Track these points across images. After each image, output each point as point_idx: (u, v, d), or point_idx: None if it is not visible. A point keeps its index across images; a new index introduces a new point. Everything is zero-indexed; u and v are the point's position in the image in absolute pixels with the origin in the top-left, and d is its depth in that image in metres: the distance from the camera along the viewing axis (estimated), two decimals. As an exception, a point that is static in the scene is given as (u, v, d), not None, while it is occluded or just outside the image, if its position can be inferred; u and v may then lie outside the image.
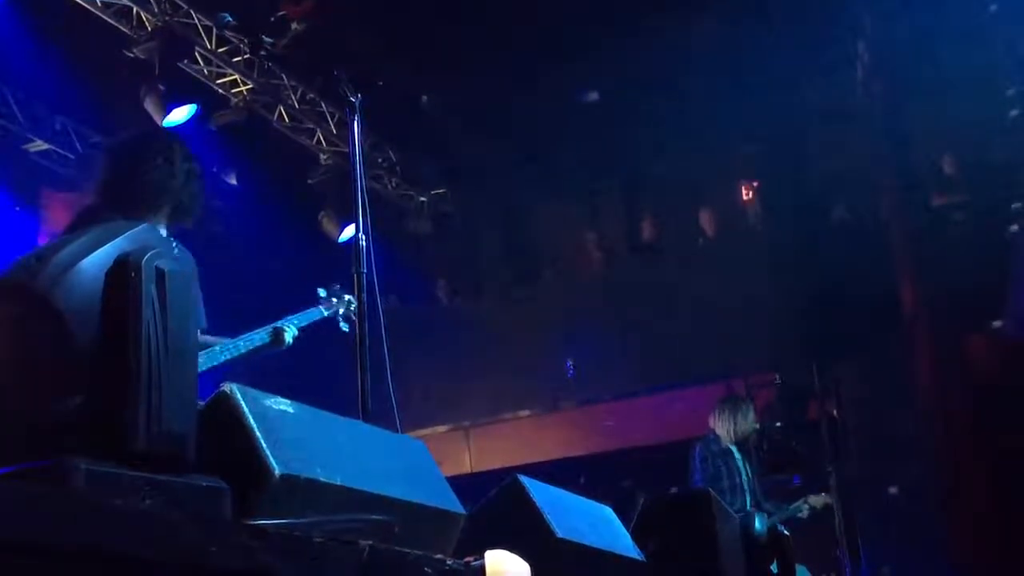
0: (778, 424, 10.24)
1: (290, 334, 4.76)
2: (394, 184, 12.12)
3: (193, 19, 9.41)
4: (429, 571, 2.62)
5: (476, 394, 12.02)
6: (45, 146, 9.81)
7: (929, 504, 9.26)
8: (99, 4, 8.80)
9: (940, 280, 9.58)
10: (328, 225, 10.80)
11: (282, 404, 2.78)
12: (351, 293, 5.06)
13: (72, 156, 9.96)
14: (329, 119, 10.87)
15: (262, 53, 9.87)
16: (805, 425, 10.35)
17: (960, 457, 9.04)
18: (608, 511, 4.61)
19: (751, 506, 7.62)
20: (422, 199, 12.46)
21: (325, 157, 11.04)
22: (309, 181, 11.11)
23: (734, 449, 7.83)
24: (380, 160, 11.85)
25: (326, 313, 5.06)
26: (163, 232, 4.54)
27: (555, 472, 7.51)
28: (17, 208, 9.64)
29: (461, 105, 11.53)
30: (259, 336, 4.66)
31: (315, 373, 8.54)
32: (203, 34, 9.54)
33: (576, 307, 11.77)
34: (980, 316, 9.21)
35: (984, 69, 9.51)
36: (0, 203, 9.46)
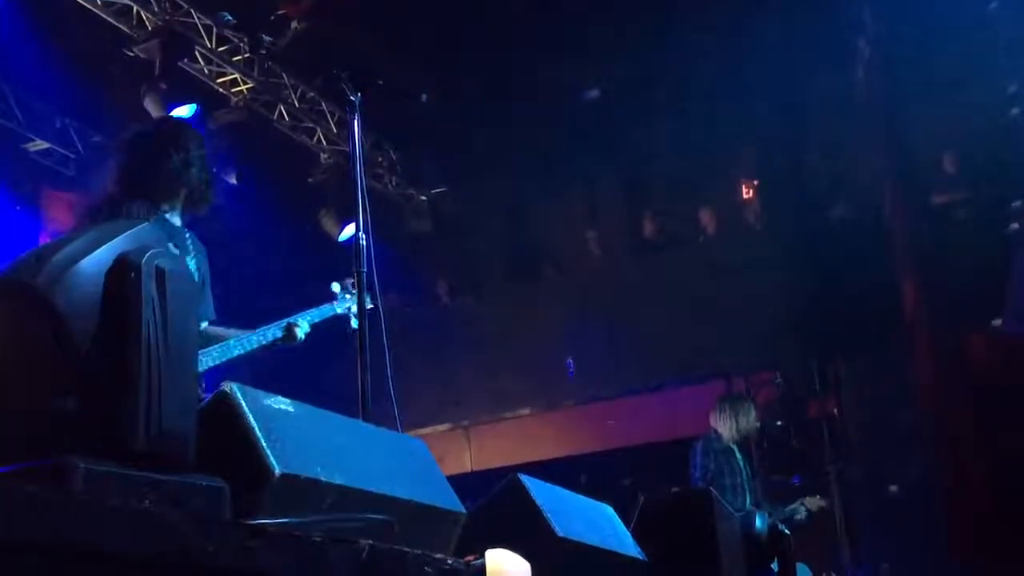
0: (778, 423, 10.25)
1: (303, 330, 4.73)
2: (394, 183, 12.12)
3: (193, 18, 9.41)
4: (429, 570, 2.62)
5: (476, 393, 12.02)
6: (45, 145, 9.81)
7: (929, 502, 9.26)
8: (99, 3, 8.80)
9: (941, 278, 9.58)
10: (328, 224, 10.80)
11: (282, 403, 2.78)
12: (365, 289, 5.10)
13: (72, 155, 9.96)
14: (329, 118, 10.87)
15: (262, 52, 9.88)
16: (805, 424, 10.36)
17: (960, 456, 9.04)
18: (608, 510, 4.61)
19: (751, 505, 7.62)
20: (422, 198, 12.46)
21: (325, 156, 11.05)
22: (309, 180, 11.12)
23: (735, 448, 7.83)
24: (380, 159, 11.86)
25: (339, 309, 5.00)
26: (177, 221, 4.55)
27: (555, 471, 7.51)
28: (18, 208, 9.64)
29: (461, 103, 11.53)
30: (272, 331, 4.64)
31: (315, 372, 8.55)
32: (203, 33, 9.54)
33: (576, 306, 11.77)
34: (981, 314, 9.21)
35: (985, 67, 9.52)
36: (1, 202, 9.46)
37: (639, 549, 4.50)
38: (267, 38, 9.71)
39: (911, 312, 9.74)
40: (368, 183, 4.92)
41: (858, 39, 10.17)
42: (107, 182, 4.54)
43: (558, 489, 4.13)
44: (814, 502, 8.32)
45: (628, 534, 4.59)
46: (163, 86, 8.97)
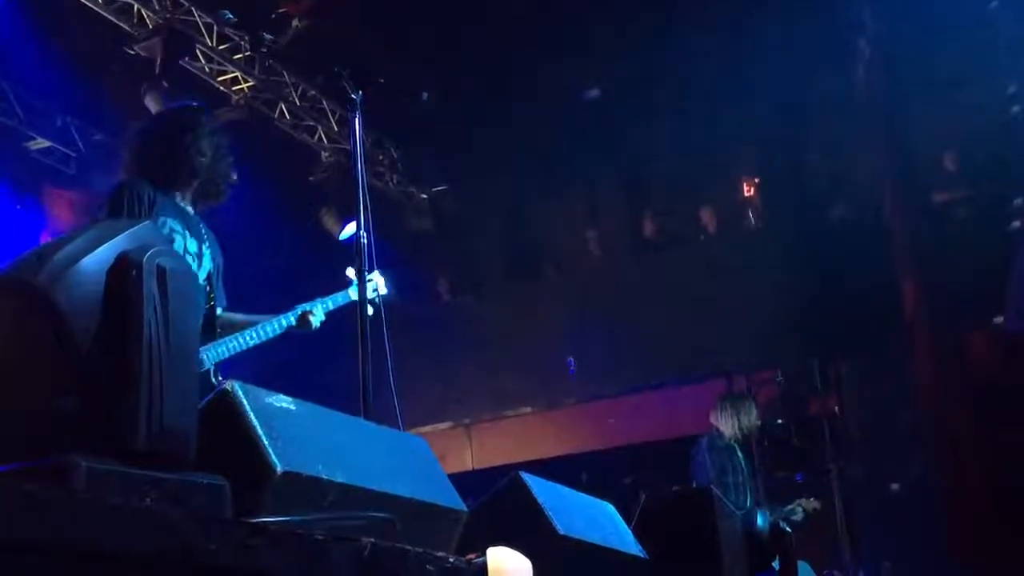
0: (779, 421, 10.25)
1: (318, 318, 4.68)
2: (395, 181, 12.12)
3: (194, 16, 9.41)
4: (431, 568, 2.61)
5: (477, 391, 12.02)
6: (46, 144, 9.81)
7: (930, 501, 9.26)
8: (100, 2, 8.80)
9: (941, 277, 9.59)
10: (329, 222, 10.81)
11: (283, 401, 2.78)
12: (381, 274, 4.98)
13: (73, 154, 9.96)
14: (330, 116, 10.88)
15: (263, 50, 9.89)
16: (806, 422, 10.36)
17: (961, 454, 9.04)
18: (610, 508, 4.60)
19: (752, 503, 7.62)
20: (423, 196, 12.46)
21: (326, 154, 11.05)
22: (310, 178, 11.12)
23: (736, 446, 7.83)
24: (381, 157, 11.86)
25: (353, 297, 4.87)
26: (190, 210, 4.54)
27: (557, 469, 7.50)
28: (19, 206, 9.65)
29: (462, 102, 11.53)
30: (286, 319, 4.60)
31: (317, 370, 8.55)
32: (204, 31, 9.55)
33: (577, 304, 11.77)
34: (981, 313, 9.20)
35: (985, 66, 9.51)
36: (2, 201, 9.47)
37: (640, 547, 4.50)
38: (268, 36, 9.72)
39: (912, 310, 9.74)
40: (369, 181, 4.92)
41: (858, 38, 10.17)
42: (119, 170, 4.54)
43: (559, 487, 4.13)
44: (810, 504, 8.32)
45: (629, 532, 4.59)
46: (164, 84, 8.98)
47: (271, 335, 4.54)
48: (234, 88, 10.07)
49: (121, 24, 9.00)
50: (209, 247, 4.56)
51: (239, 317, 4.61)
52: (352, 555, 2.38)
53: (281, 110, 10.56)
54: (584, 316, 11.54)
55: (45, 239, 8.71)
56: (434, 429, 11.68)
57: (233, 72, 9.99)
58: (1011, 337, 8.82)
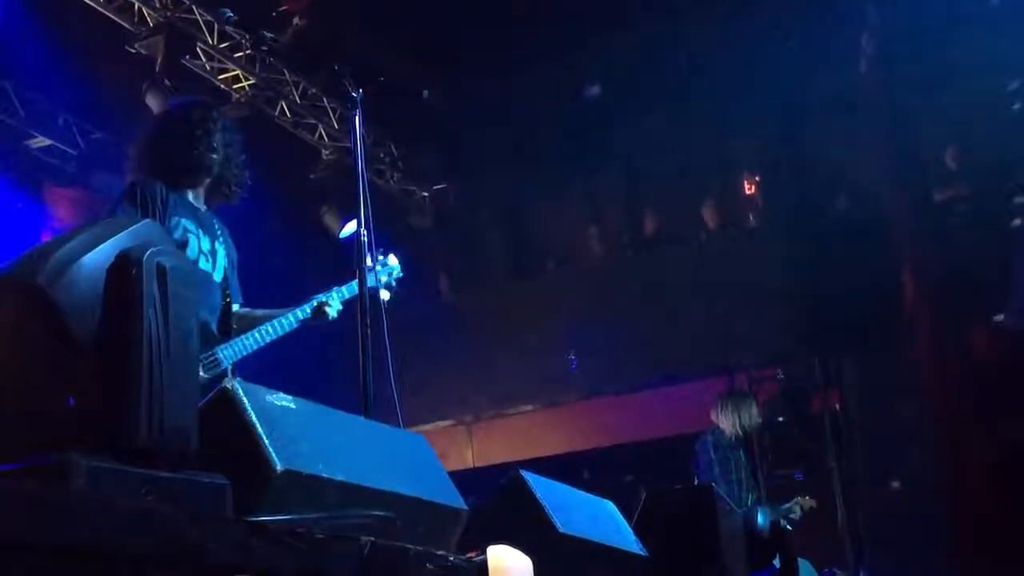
0: (780, 418, 10.25)
1: (334, 308, 4.58)
2: (396, 179, 12.12)
3: (195, 15, 9.41)
4: (431, 567, 2.62)
5: (478, 389, 12.02)
6: (47, 142, 9.81)
7: (932, 497, 9.25)
8: (101, 0, 8.80)
9: (942, 273, 9.58)
10: (330, 220, 10.81)
11: (284, 400, 2.78)
12: (395, 259, 4.97)
13: (74, 152, 9.96)
14: (331, 114, 10.88)
15: (264, 48, 9.88)
16: (808, 419, 10.35)
17: (962, 450, 9.04)
18: (610, 506, 4.60)
19: (754, 501, 7.62)
20: (424, 194, 12.46)
21: (327, 152, 11.05)
22: (311, 176, 11.12)
23: (737, 444, 7.83)
24: (382, 155, 11.85)
25: (371, 283, 4.75)
26: (202, 207, 4.51)
27: (557, 467, 7.52)
28: (20, 204, 9.65)
29: (462, 100, 11.53)
30: (301, 311, 4.54)
31: (317, 368, 8.56)
32: (205, 30, 9.55)
33: (578, 301, 11.76)
34: (982, 309, 9.20)
35: (987, 62, 9.50)
36: (3, 199, 9.47)
37: (641, 545, 4.50)
38: (269, 35, 9.71)
39: (912, 308, 9.73)
40: (369, 179, 4.89)
41: (860, 35, 10.17)
42: (125, 169, 4.51)
43: (560, 485, 4.13)
44: (807, 502, 8.32)
45: (630, 530, 4.58)
46: (165, 83, 8.98)
47: (287, 329, 4.48)
48: (235, 86, 10.08)
49: (122, 22, 9.01)
50: (223, 243, 4.53)
51: (255, 313, 4.58)
52: (352, 554, 2.38)
53: (282, 108, 10.56)
54: (585, 313, 11.53)
55: (46, 237, 8.71)
56: (435, 427, 11.69)
57: (234, 70, 9.99)
58: (1012, 335, 8.82)
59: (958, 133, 10.24)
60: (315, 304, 4.57)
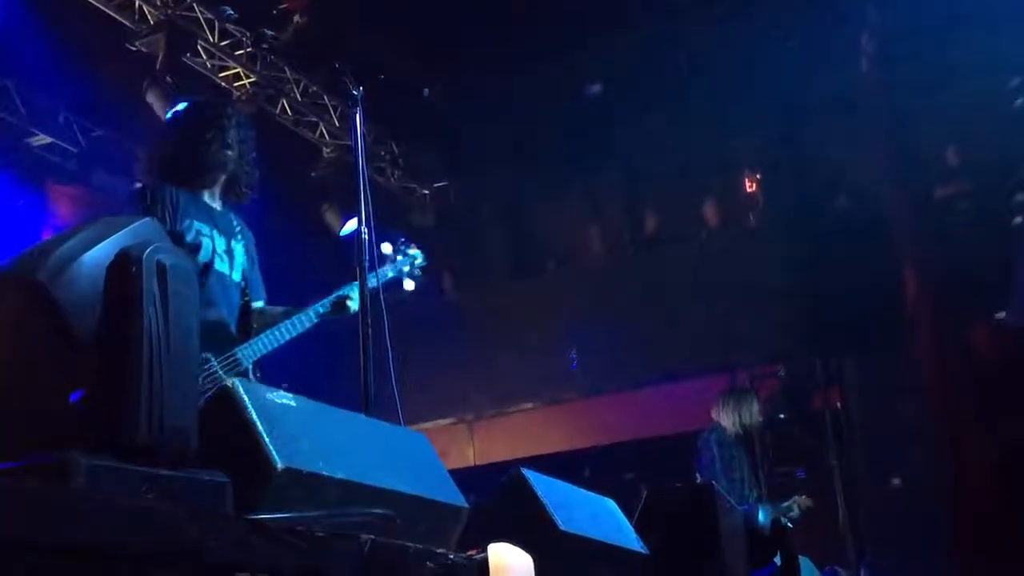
0: (781, 416, 10.24)
1: (356, 302, 4.44)
2: (397, 177, 12.12)
3: (195, 12, 9.41)
4: (431, 565, 2.62)
5: (479, 387, 12.01)
6: (48, 140, 9.81)
7: (932, 495, 9.25)
8: (102, -2, 8.80)
9: (944, 271, 9.58)
10: (331, 218, 10.80)
11: (284, 398, 2.78)
12: (418, 247, 4.93)
13: (75, 150, 9.96)
14: (332, 112, 10.88)
15: (264, 46, 9.88)
16: (809, 417, 10.34)
17: (963, 448, 9.04)
18: (611, 504, 4.60)
19: (755, 499, 7.61)
20: (425, 192, 12.46)
21: (328, 150, 11.05)
22: (312, 174, 11.11)
23: (738, 441, 7.83)
24: (383, 153, 11.85)
25: (391, 273, 4.76)
26: (218, 206, 4.48)
27: (558, 465, 7.51)
28: (21, 202, 9.65)
29: (463, 97, 11.52)
30: (322, 306, 4.47)
31: (317, 367, 8.55)
32: (205, 27, 9.54)
33: (579, 300, 11.76)
34: (983, 308, 9.20)
35: (988, 59, 9.49)
36: (4, 197, 9.47)
37: (642, 543, 4.50)
38: (269, 32, 9.71)
39: (914, 305, 9.73)
40: (370, 177, 4.87)
41: (860, 33, 10.16)
42: (141, 172, 4.48)
43: (561, 483, 4.13)
44: (804, 501, 8.33)
45: (631, 528, 4.59)
46: (166, 80, 8.97)
47: (307, 325, 4.42)
48: (236, 84, 10.07)
49: (123, 20, 9.00)
50: (242, 240, 4.47)
51: (276, 310, 4.54)
52: (352, 551, 2.38)
53: (283, 106, 10.56)
54: (586, 311, 11.52)
55: (47, 235, 8.70)
56: (436, 425, 11.68)
57: (235, 68, 9.99)
58: (1013, 333, 8.82)
59: (958, 132, 10.23)
60: (335, 299, 4.49)
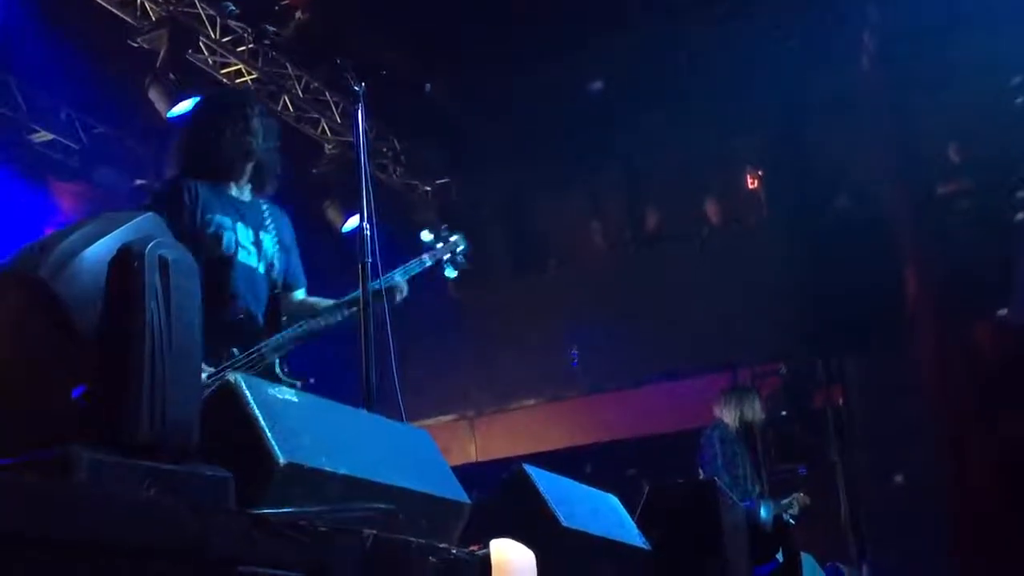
0: (783, 414, 10.25)
1: (398, 290, 4.42)
2: (398, 174, 12.11)
3: (197, 9, 9.39)
4: (433, 560, 2.62)
5: (481, 384, 12.03)
6: (50, 136, 9.80)
7: (933, 493, 9.26)
8: (103, -6, 8.79)
9: (945, 268, 9.58)
10: (333, 215, 10.80)
11: (286, 393, 2.78)
12: (459, 233, 4.85)
13: (77, 146, 9.96)
14: (333, 108, 10.87)
15: (266, 43, 9.86)
16: (810, 414, 10.35)
17: (965, 445, 9.04)
18: (613, 500, 4.60)
19: (756, 495, 7.62)
20: (426, 189, 12.45)
21: (330, 147, 11.04)
22: (314, 171, 11.10)
23: (740, 438, 7.83)
24: (385, 149, 11.84)
25: (430, 262, 4.69)
26: (247, 196, 4.45)
27: (560, 461, 7.50)
28: (23, 198, 9.64)
29: (465, 94, 11.52)
30: (351, 301, 4.34)
31: (319, 363, 8.54)
32: (207, 23, 9.53)
33: (580, 297, 11.77)
34: (985, 305, 9.20)
35: (989, 57, 9.49)
36: (6, 193, 9.46)
37: (644, 539, 4.50)
38: (271, 28, 9.69)
39: (915, 303, 9.73)
40: (372, 173, 4.85)
41: (862, 31, 10.15)
42: (168, 166, 4.44)
43: (563, 479, 4.13)
44: (803, 499, 8.33)
45: (633, 524, 4.58)
46: (168, 77, 8.96)
47: (338, 318, 4.35)
48: (237, 80, 10.06)
49: (124, 16, 8.99)
50: (273, 231, 4.42)
51: (312, 300, 4.50)
52: (355, 547, 2.38)
53: (284, 102, 10.55)
54: (587, 309, 11.53)
55: (48, 231, 8.70)
56: (438, 422, 11.69)
57: (236, 64, 9.98)
58: (1014, 331, 8.82)
59: (959, 131, 10.23)
60: (382, 287, 4.30)
